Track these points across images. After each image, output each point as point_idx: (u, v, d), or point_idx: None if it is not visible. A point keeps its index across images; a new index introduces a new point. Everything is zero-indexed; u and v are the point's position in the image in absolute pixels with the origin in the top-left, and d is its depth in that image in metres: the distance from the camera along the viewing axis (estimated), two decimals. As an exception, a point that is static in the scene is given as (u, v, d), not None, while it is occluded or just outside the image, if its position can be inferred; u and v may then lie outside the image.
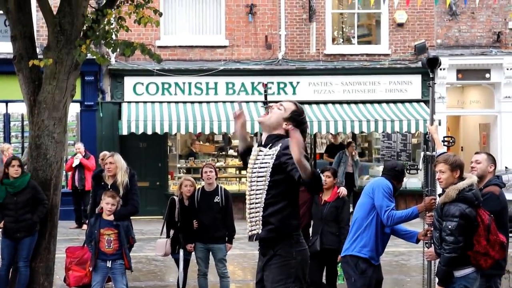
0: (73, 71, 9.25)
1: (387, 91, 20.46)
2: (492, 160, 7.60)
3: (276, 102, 5.68)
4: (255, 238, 5.43)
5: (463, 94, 22.46)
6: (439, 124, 17.60)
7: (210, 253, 9.88)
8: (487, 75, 20.75)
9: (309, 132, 19.16)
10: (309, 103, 19.84)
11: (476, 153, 7.80)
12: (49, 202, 9.39)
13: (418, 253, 12.70)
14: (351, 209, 9.32)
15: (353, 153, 19.88)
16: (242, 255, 13.99)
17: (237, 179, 20.69)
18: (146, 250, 14.60)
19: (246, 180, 5.56)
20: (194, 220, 9.77)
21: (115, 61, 19.50)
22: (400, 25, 20.48)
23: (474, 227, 6.54)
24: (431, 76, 8.01)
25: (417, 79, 20.48)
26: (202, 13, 20.31)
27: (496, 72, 20.67)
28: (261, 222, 5.36)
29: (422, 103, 20.18)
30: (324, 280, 9.26)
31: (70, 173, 17.86)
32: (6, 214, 9.54)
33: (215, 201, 9.75)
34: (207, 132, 19.33)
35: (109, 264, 8.82)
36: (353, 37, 21.17)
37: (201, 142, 21.60)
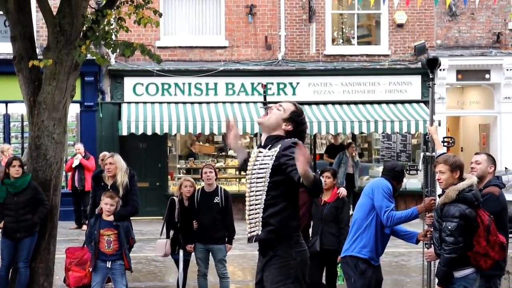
0: (73, 72, 9.25)
1: (387, 92, 20.47)
2: (492, 161, 7.60)
3: (276, 102, 5.67)
4: (254, 239, 5.42)
5: (463, 95, 22.46)
6: (439, 124, 17.56)
7: (210, 253, 9.88)
8: (487, 76, 20.76)
9: (309, 132, 19.16)
10: (309, 103, 19.84)
11: (476, 153, 7.80)
12: (49, 202, 9.39)
13: (418, 254, 12.70)
14: (351, 211, 9.32)
15: (353, 154, 19.88)
16: (242, 256, 13.99)
17: (237, 179, 20.69)
18: (146, 250, 14.60)
19: (246, 181, 5.56)
20: (194, 221, 9.77)
21: (115, 61, 19.51)
22: (400, 25, 20.49)
23: (474, 227, 6.54)
24: (430, 76, 8.01)
25: (417, 79, 20.48)
26: (202, 13, 20.32)
27: (496, 73, 20.68)
28: (260, 223, 5.36)
29: (422, 104, 20.19)
30: (324, 281, 9.26)
31: (70, 174, 17.86)
32: (7, 214, 9.55)
33: (215, 201, 9.75)
34: (207, 132, 19.33)
35: (109, 264, 8.82)
36: (353, 38, 21.18)
37: (201, 143, 21.60)
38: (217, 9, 20.27)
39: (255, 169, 5.42)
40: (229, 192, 10.05)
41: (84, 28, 9.19)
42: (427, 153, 7.84)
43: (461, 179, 6.65)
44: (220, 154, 21.41)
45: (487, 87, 21.21)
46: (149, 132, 18.83)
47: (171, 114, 19.20)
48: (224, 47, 20.16)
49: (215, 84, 20.02)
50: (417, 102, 20.37)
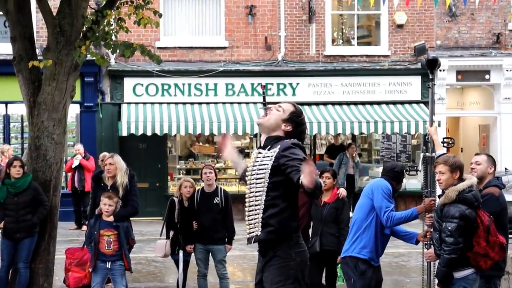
0: (73, 72, 9.25)
1: (386, 92, 20.47)
2: (492, 162, 7.60)
3: (276, 103, 5.67)
4: (254, 240, 5.42)
5: (462, 95, 22.46)
6: (439, 125, 17.45)
7: (210, 254, 9.88)
8: (487, 76, 20.76)
9: (309, 133, 19.16)
10: (309, 104, 19.85)
11: (476, 154, 7.80)
12: (48, 203, 9.39)
13: (417, 254, 12.70)
14: (351, 213, 9.31)
15: (354, 155, 19.88)
16: (242, 256, 13.99)
17: (237, 180, 20.68)
18: (146, 251, 14.60)
19: (246, 182, 5.56)
20: (194, 221, 9.77)
21: (115, 62, 19.51)
22: (400, 26, 20.49)
23: (474, 228, 6.54)
24: (430, 77, 8.00)
25: (416, 80, 20.49)
26: (202, 14, 20.32)
27: (496, 73, 20.68)
28: (260, 224, 5.36)
29: (422, 104, 20.19)
30: (323, 281, 9.26)
31: (69, 174, 17.86)
32: (7, 214, 9.55)
33: (214, 202, 9.75)
34: (206, 133, 19.34)
35: (108, 265, 8.82)
36: (353, 38, 21.18)
37: (201, 143, 21.60)
38: (217, 10, 20.28)
39: (255, 170, 5.42)
40: (229, 193, 10.05)
41: (84, 29, 9.19)
42: (427, 154, 7.83)
43: (461, 179, 6.65)
44: (220, 154, 21.38)
45: (487, 87, 21.22)
46: (149, 133, 18.84)
47: (171, 115, 19.20)
48: (224, 48, 20.16)
49: (215, 84, 20.02)
50: (417, 102, 20.38)
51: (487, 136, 21.72)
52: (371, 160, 22.46)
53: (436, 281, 6.85)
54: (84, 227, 15.86)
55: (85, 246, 9.24)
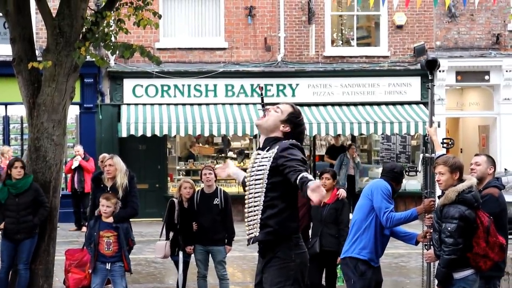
0: (72, 73, 9.25)
1: (386, 93, 20.48)
2: (492, 162, 7.60)
3: (275, 104, 5.66)
4: (252, 241, 5.41)
5: (462, 96, 22.47)
6: (438, 126, 17.59)
7: (210, 255, 9.88)
8: (486, 77, 20.77)
9: (308, 134, 19.18)
10: (308, 105, 19.85)
11: (476, 155, 7.80)
12: (49, 204, 9.39)
13: (417, 255, 12.70)
14: (351, 214, 9.31)
15: (354, 155, 19.88)
16: (242, 257, 13.99)
17: (237, 181, 20.63)
18: (146, 252, 14.60)
19: (245, 183, 5.56)
20: (194, 222, 9.77)
21: (114, 63, 19.51)
22: (399, 27, 20.50)
23: (474, 229, 6.54)
24: (430, 78, 8.00)
25: (416, 81, 20.49)
26: (201, 15, 20.32)
27: (495, 74, 20.68)
28: (259, 224, 5.35)
29: (421, 105, 20.20)
30: (323, 282, 9.26)
31: (69, 176, 17.86)
32: (7, 215, 9.55)
33: (214, 203, 9.75)
34: (206, 134, 19.34)
35: (108, 266, 8.82)
36: (352, 39, 21.19)
37: (201, 144, 21.60)
38: (217, 11, 20.28)
39: (254, 171, 5.42)
40: (229, 194, 10.05)
41: (84, 30, 9.19)
42: (427, 155, 7.83)
43: (460, 180, 6.65)
44: (220, 155, 21.41)
45: (487, 88, 21.22)
46: (148, 134, 18.83)
47: (170, 116, 19.20)
48: (224, 49, 20.16)
49: (215, 85, 20.02)
50: (417, 103, 20.38)
51: (486, 137, 21.73)
52: (371, 161, 22.46)
53: (436, 281, 6.85)
54: (84, 228, 15.83)
55: (85, 247, 9.24)
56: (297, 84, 20.28)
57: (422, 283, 7.84)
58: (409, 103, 20.37)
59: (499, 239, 6.71)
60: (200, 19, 20.34)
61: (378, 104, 20.30)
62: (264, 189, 5.34)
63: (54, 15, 9.27)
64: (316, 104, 20.10)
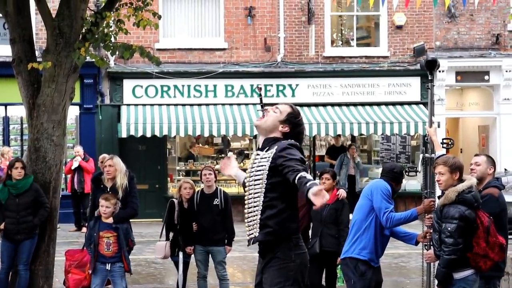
0: (72, 74, 9.25)
1: (386, 93, 20.48)
2: (492, 162, 7.60)
3: (274, 104, 5.66)
4: (252, 241, 5.41)
5: (462, 96, 22.46)
6: (438, 126, 17.62)
7: (210, 255, 9.88)
8: (486, 77, 20.77)
9: (308, 134, 19.18)
10: (308, 105, 19.85)
11: (476, 155, 7.80)
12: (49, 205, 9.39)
13: (417, 255, 12.70)
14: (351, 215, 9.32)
15: (354, 155, 19.88)
16: (242, 258, 13.99)
17: (236, 181, 20.63)
18: (146, 252, 14.60)
19: (245, 184, 5.56)
20: (194, 223, 9.77)
21: (114, 64, 19.51)
22: (399, 27, 20.50)
23: (474, 229, 6.54)
24: (430, 78, 8.00)
25: (416, 81, 20.49)
26: (201, 15, 20.32)
27: (495, 74, 20.68)
28: (258, 225, 5.35)
29: (421, 105, 20.20)
30: (323, 283, 9.26)
31: (69, 176, 17.86)
32: (7, 216, 9.55)
33: (214, 203, 9.75)
34: (206, 134, 19.33)
35: (108, 267, 8.82)
36: (352, 40, 21.19)
37: (200, 145, 21.60)
38: (216, 11, 20.28)
39: (253, 171, 5.42)
40: (229, 194, 10.05)
41: (83, 31, 9.19)
42: (426, 155, 7.83)
43: (460, 180, 6.65)
44: (220, 156, 21.40)
45: (486, 88, 21.22)
46: (148, 134, 18.83)
47: (170, 116, 19.20)
48: (223, 49, 20.16)
49: (214, 86, 20.02)
50: (416, 103, 20.38)
51: (486, 137, 21.73)
52: (371, 161, 22.46)
53: (436, 282, 6.85)
54: (84, 229, 15.83)
55: (84, 248, 9.24)
56: (297, 85, 20.28)
57: (422, 283, 7.84)
58: (409, 103, 20.37)
59: (499, 239, 6.71)
60: (199, 20, 20.34)
61: (378, 104, 20.29)
62: (264, 190, 5.34)
63: (53, 15, 9.27)
64: (316, 105, 20.09)
